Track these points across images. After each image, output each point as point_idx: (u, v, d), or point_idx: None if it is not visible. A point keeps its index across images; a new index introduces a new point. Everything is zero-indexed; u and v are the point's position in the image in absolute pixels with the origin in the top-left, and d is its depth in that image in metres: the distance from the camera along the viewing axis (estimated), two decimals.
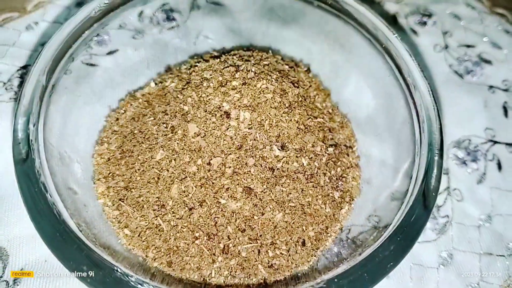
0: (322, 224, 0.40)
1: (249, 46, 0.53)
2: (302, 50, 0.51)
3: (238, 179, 0.38)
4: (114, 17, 0.44)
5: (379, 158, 0.45)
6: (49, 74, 0.38)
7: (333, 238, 0.41)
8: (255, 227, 0.38)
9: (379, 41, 0.43)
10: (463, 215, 0.47)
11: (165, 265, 0.37)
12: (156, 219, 0.38)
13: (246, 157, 0.38)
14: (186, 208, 0.38)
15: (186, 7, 0.51)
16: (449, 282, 0.43)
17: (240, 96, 0.40)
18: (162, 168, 0.39)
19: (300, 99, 0.42)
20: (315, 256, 0.40)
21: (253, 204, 0.38)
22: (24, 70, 0.48)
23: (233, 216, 0.38)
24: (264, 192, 0.38)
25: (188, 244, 0.37)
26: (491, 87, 0.56)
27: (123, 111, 0.46)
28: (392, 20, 0.60)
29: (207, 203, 0.38)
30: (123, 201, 0.39)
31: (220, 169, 0.38)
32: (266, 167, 0.39)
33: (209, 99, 0.40)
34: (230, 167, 0.38)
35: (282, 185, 0.39)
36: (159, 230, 0.38)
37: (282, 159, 0.39)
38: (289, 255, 0.39)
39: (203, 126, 0.39)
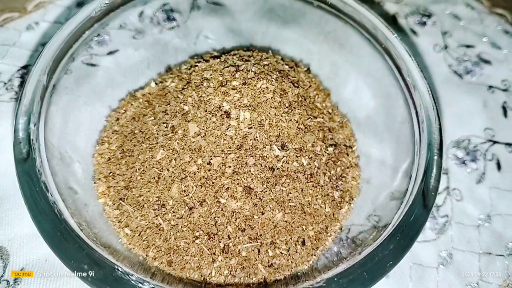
0: (322, 224, 0.41)
1: (249, 46, 0.53)
2: (302, 50, 0.52)
3: (238, 179, 0.38)
4: (114, 17, 0.44)
5: (378, 157, 0.45)
6: (49, 74, 0.38)
7: (333, 238, 0.41)
8: (255, 227, 0.38)
9: (379, 41, 0.44)
10: (463, 215, 0.47)
11: (166, 265, 0.37)
12: (156, 219, 0.38)
13: (246, 156, 0.38)
14: (187, 207, 0.38)
15: (186, 7, 0.51)
16: (448, 281, 0.43)
17: (240, 96, 0.40)
18: (162, 168, 0.39)
19: (300, 99, 0.43)
20: (315, 255, 0.40)
21: (253, 203, 0.38)
22: (25, 70, 0.48)
23: (233, 215, 0.38)
24: (264, 192, 0.38)
25: (188, 244, 0.37)
26: (490, 87, 0.56)
27: (124, 111, 0.46)
28: (391, 20, 0.60)
29: (207, 203, 0.38)
30: (123, 201, 0.40)
31: (220, 168, 0.38)
32: (266, 166, 0.39)
33: (209, 99, 0.40)
34: (230, 166, 0.38)
35: (282, 185, 0.39)
36: (159, 229, 0.38)
37: (282, 158, 0.39)
38: (289, 255, 0.39)
39: (203, 126, 0.39)
